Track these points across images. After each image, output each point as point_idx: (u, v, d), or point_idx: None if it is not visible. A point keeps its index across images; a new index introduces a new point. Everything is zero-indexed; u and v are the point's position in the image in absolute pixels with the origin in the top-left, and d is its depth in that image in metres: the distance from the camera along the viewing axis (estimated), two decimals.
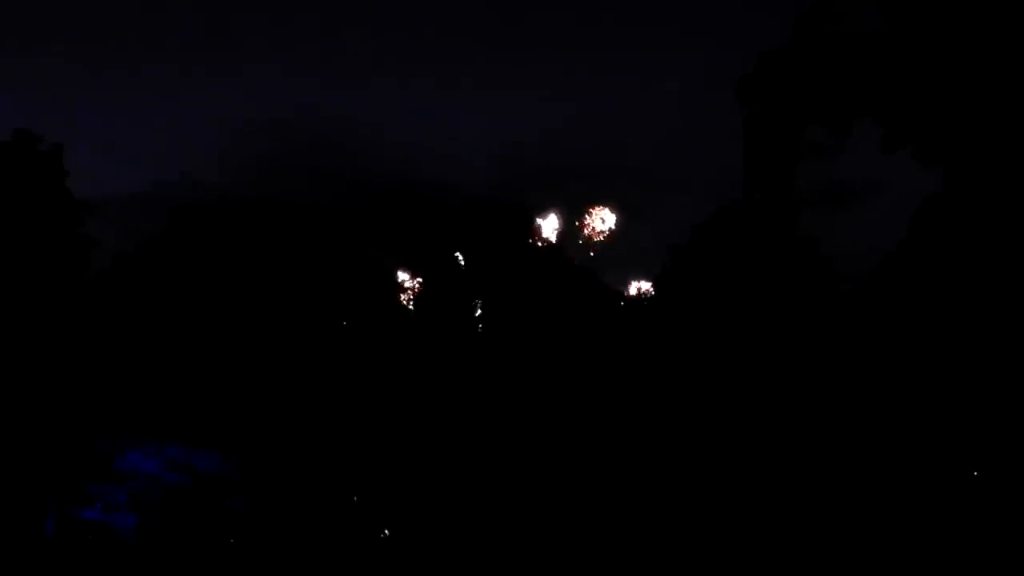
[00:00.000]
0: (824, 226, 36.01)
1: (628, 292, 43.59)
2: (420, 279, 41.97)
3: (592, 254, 44.39)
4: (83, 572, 36.57)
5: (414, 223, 43.79)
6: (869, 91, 28.59)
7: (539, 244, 42.63)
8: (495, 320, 38.96)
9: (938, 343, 32.12)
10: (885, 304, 34.18)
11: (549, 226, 43.44)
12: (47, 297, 38.04)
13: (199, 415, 39.16)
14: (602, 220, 44.83)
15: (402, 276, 42.67)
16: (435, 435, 38.80)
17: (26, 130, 38.72)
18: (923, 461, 32.72)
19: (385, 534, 38.90)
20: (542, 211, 43.48)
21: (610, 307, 41.46)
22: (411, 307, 42.07)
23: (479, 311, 40.01)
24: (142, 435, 38.58)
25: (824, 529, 33.21)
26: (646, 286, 43.03)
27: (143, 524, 37.82)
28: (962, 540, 30.88)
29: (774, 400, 35.52)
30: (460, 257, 41.06)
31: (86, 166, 41.70)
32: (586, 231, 44.67)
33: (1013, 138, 28.79)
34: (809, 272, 37.18)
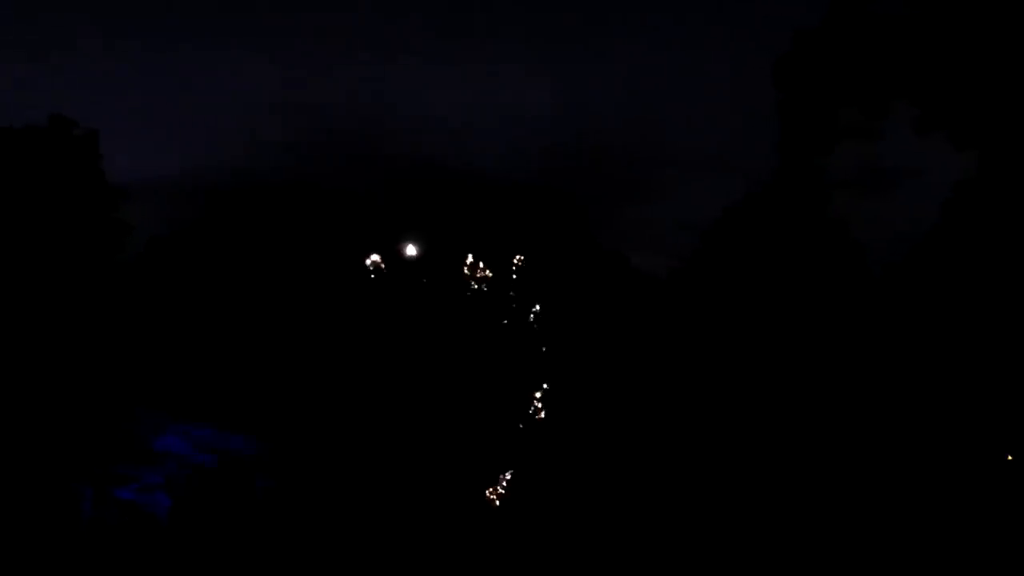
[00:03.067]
0: (858, 209, 35.87)
1: (656, 275, 43.49)
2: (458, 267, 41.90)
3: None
4: (121, 551, 37.00)
5: (451, 209, 43.76)
6: (905, 72, 28.43)
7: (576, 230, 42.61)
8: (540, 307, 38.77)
9: (969, 330, 31.99)
10: (916, 289, 34.06)
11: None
12: (82, 281, 38.45)
13: (231, 398, 39.56)
14: None
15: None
16: (468, 422, 38.89)
17: (61, 115, 39.07)
18: (954, 448, 32.63)
19: (410, 517, 39.06)
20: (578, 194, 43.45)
21: (641, 292, 41.39)
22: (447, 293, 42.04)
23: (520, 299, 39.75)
24: (174, 417, 39.00)
25: (855, 510, 33.18)
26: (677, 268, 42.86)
27: (177, 504, 38.20)
28: (997, 529, 30.80)
29: (802, 386, 35.49)
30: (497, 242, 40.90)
31: (121, 151, 41.88)
32: None
33: None
34: (839, 256, 37.04)
